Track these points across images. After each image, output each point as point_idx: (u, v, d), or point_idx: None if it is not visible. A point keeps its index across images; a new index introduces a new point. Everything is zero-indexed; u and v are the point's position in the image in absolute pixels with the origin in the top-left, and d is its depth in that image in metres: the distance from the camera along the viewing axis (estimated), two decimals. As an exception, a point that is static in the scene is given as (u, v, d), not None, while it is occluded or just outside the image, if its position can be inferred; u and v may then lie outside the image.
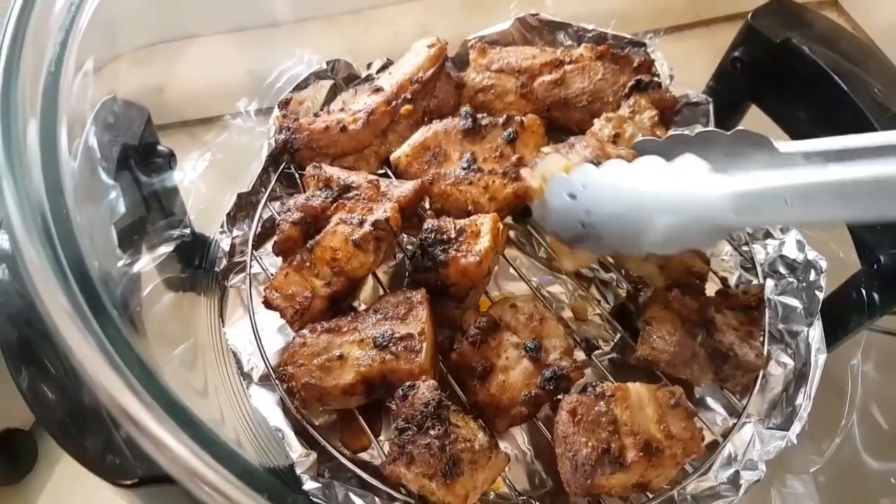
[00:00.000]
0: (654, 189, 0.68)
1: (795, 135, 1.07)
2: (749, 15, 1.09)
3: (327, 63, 1.11)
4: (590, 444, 0.72)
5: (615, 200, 0.71)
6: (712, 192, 0.64)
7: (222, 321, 0.91)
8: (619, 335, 0.95)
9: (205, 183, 0.97)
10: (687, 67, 1.22)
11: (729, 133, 0.65)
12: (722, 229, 0.67)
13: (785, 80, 1.09)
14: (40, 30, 0.54)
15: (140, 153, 0.78)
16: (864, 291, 0.92)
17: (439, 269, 0.82)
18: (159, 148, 0.82)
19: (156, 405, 0.44)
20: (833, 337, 0.92)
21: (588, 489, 0.73)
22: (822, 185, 0.58)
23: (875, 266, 0.91)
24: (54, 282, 0.45)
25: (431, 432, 0.70)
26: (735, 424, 0.86)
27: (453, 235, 0.84)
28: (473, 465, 0.70)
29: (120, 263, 0.66)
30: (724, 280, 0.99)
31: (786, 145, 0.63)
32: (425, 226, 0.85)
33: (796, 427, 0.84)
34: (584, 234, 0.73)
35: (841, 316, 0.93)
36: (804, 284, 0.97)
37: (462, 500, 0.69)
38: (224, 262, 0.95)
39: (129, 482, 0.57)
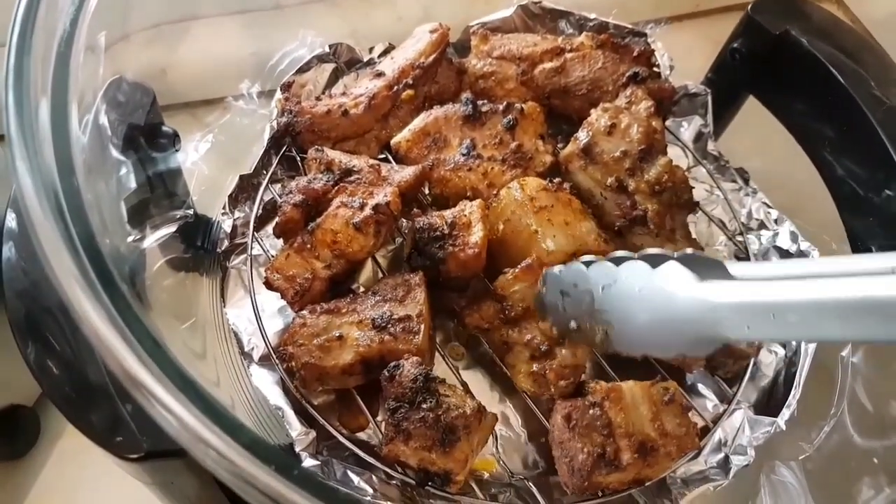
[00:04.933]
0: (643, 294, 0.64)
1: (793, 126, 1.08)
2: (749, 7, 1.10)
3: (329, 47, 1.11)
4: (585, 449, 0.74)
5: (606, 303, 0.68)
6: (699, 302, 0.58)
7: (223, 302, 0.92)
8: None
9: (207, 164, 0.98)
10: (685, 58, 1.23)
11: (677, 255, 0.61)
12: (711, 340, 0.60)
13: (783, 71, 1.10)
14: (51, 8, 0.55)
15: (145, 133, 0.78)
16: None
17: (439, 266, 0.83)
18: (164, 129, 0.83)
19: (166, 379, 0.45)
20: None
21: (585, 489, 0.75)
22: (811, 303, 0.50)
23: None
24: (67, 257, 0.46)
25: (424, 406, 0.72)
26: (725, 410, 0.88)
27: (446, 231, 0.85)
28: (468, 430, 0.73)
29: (129, 239, 0.67)
30: (717, 269, 1.01)
31: (741, 269, 0.57)
32: (417, 225, 0.86)
33: (785, 413, 0.86)
34: (576, 330, 0.74)
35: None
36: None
37: (462, 465, 0.72)
38: (225, 243, 0.96)
39: (135, 456, 0.59)
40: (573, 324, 0.74)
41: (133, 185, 0.69)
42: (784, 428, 0.85)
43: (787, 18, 1.08)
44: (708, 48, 1.21)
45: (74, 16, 0.57)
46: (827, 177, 1.03)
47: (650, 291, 0.62)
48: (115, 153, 0.65)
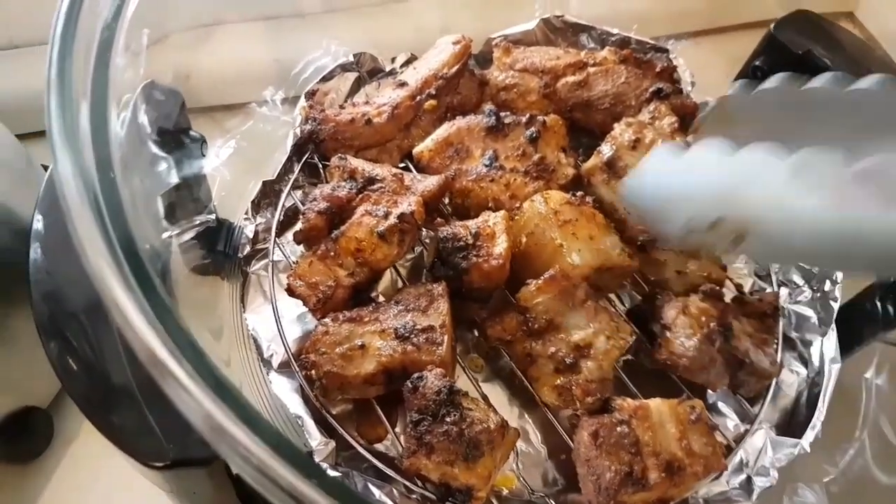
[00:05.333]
0: (820, 191, 0.47)
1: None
2: (772, 25, 1.10)
3: (353, 56, 1.11)
4: (613, 467, 0.73)
5: (752, 203, 0.51)
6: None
7: (243, 307, 0.92)
8: (633, 337, 0.96)
9: (228, 170, 0.97)
10: (704, 73, 1.23)
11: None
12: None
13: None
14: (91, 10, 0.54)
15: (174, 138, 0.78)
16: (878, 304, 0.93)
17: (462, 276, 0.83)
18: (192, 133, 0.82)
19: (203, 383, 0.44)
20: (846, 347, 0.93)
21: None
22: None
23: (891, 278, 0.92)
24: (105, 253, 0.46)
25: (447, 419, 0.71)
26: (748, 430, 0.87)
27: (470, 241, 0.84)
28: (491, 445, 0.72)
29: (164, 236, 0.67)
30: (738, 287, 1.00)
31: None
32: (441, 235, 0.85)
33: (809, 435, 0.85)
34: (688, 233, 0.58)
35: (855, 327, 0.94)
36: (819, 294, 0.98)
37: (485, 481, 0.71)
38: (247, 248, 0.95)
39: (161, 464, 0.58)
40: (683, 227, 0.56)
41: (174, 180, 0.69)
42: (808, 450, 0.84)
43: (809, 38, 1.08)
44: (726, 65, 1.21)
45: (113, 20, 0.57)
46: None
47: (834, 188, 0.45)
48: (154, 149, 0.65)
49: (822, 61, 1.04)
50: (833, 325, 0.93)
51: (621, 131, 0.99)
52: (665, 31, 1.27)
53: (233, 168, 0.98)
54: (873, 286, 0.95)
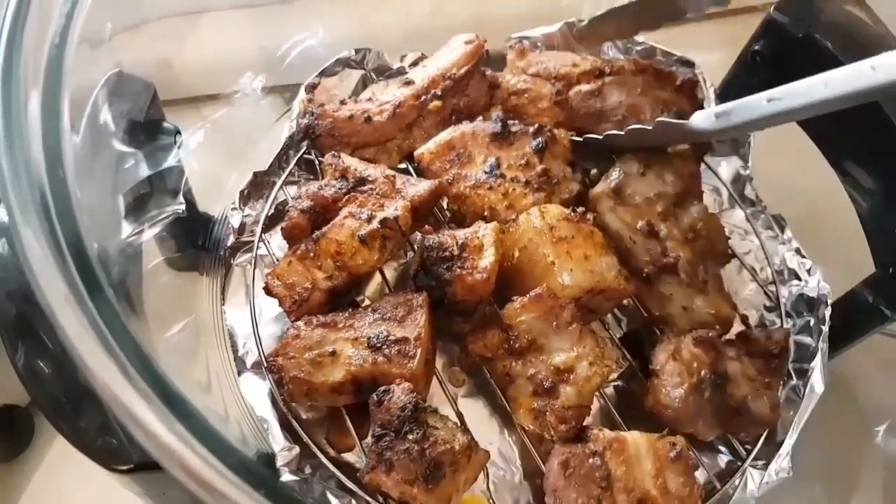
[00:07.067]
0: None
1: (817, 136, 1.00)
2: (771, 7, 1.03)
3: (356, 51, 1.08)
4: (580, 500, 0.70)
5: None
6: None
7: (223, 299, 0.90)
8: (625, 364, 0.91)
9: (210, 161, 0.94)
10: (702, 59, 1.16)
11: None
12: None
13: (807, 76, 1.02)
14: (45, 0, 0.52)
15: (145, 130, 0.76)
16: (873, 296, 0.89)
17: (445, 288, 0.80)
18: (165, 125, 0.80)
19: (151, 393, 0.42)
20: (842, 341, 0.90)
21: None
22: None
23: (890, 270, 0.88)
24: (50, 259, 0.44)
25: (409, 437, 0.69)
26: (738, 469, 0.82)
27: (456, 252, 0.81)
28: (454, 467, 0.69)
29: (118, 241, 0.64)
30: (744, 318, 0.94)
31: None
32: (426, 243, 0.82)
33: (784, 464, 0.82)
34: None
35: (851, 320, 0.91)
36: (815, 320, 0.94)
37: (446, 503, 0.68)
38: (231, 238, 0.94)
39: (124, 468, 0.56)
40: None
41: (136, 178, 0.66)
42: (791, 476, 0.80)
43: (811, 20, 1.00)
44: (725, 50, 1.15)
45: (71, 8, 0.55)
46: (850, 188, 0.96)
47: None
48: (117, 145, 0.62)
49: (824, 44, 0.97)
50: (820, 353, 0.90)
51: (631, 156, 0.94)
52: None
53: (214, 159, 0.95)
54: (870, 278, 0.90)
